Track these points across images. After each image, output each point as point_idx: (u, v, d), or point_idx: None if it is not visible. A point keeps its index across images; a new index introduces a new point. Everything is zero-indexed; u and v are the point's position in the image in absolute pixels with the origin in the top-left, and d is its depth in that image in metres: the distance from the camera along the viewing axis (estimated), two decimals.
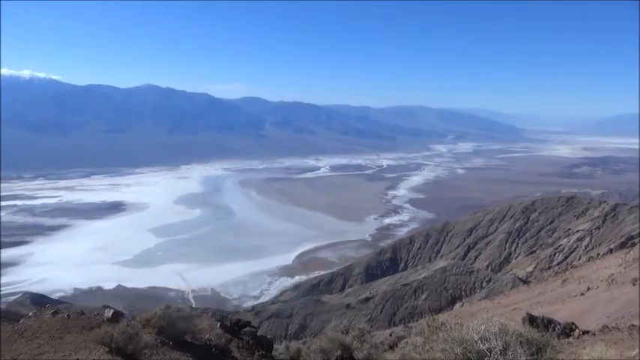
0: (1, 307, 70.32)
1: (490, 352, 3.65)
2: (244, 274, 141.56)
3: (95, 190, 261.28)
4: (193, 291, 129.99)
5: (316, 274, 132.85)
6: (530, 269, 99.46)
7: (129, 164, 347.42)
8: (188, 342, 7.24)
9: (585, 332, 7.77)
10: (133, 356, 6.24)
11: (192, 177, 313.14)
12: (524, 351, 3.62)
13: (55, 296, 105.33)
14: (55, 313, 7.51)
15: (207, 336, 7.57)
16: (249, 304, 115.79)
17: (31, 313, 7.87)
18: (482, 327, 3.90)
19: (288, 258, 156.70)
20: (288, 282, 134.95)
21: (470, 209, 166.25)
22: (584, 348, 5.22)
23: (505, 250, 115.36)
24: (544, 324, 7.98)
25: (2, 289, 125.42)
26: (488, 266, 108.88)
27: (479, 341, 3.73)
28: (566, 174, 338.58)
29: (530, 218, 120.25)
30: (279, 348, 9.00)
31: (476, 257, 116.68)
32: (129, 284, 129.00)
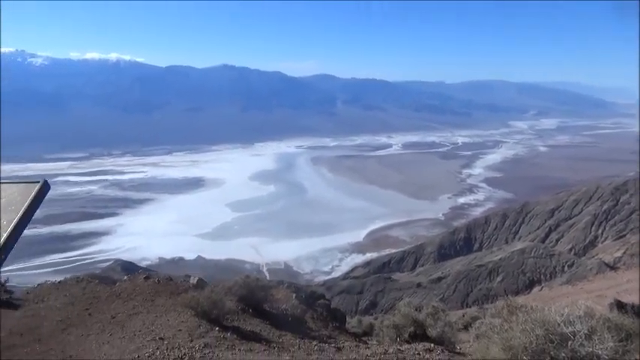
0: (96, 272, 77.12)
1: (574, 336, 3.47)
2: (316, 249, 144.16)
3: (177, 166, 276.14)
4: (267, 264, 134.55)
5: (387, 251, 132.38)
6: (618, 254, 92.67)
7: (207, 142, 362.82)
8: (266, 310, 7.65)
9: None
10: (217, 320, 6.72)
11: (265, 154, 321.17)
12: (612, 337, 3.39)
13: (142, 264, 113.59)
14: (146, 278, 8.22)
15: (284, 306, 7.93)
16: (321, 279, 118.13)
17: (125, 277, 8.66)
18: (566, 309, 3.70)
19: (360, 235, 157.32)
20: (359, 259, 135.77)
21: (552, 189, 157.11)
22: None
23: (590, 233, 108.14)
24: (634, 311, 7.45)
25: (97, 256, 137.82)
26: (571, 250, 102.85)
27: (562, 324, 3.55)
28: None
29: (621, 200, 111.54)
30: (351, 322, 9.21)
31: (557, 240, 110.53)
32: (208, 255, 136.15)
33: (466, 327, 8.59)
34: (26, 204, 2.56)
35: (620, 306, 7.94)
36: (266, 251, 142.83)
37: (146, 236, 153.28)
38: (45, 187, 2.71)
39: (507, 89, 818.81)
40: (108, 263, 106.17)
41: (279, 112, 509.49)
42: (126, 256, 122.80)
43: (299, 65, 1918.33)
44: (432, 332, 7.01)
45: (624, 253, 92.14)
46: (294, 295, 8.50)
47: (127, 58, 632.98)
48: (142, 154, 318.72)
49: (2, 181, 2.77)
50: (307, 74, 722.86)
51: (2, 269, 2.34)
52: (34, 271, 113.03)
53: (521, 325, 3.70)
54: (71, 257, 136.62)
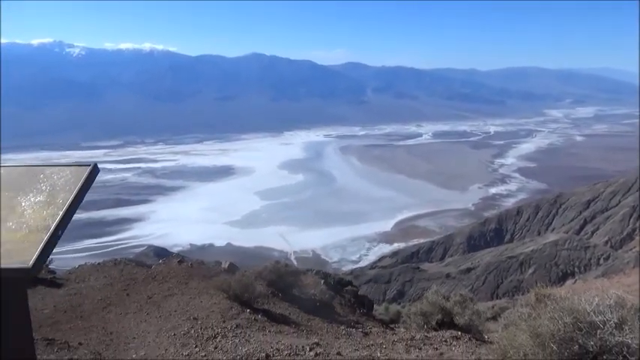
0: (130, 257, 79.50)
1: (604, 325, 3.43)
2: (344, 238, 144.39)
3: (207, 154, 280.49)
4: (295, 252, 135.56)
5: (415, 241, 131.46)
6: None
7: (237, 130, 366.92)
8: (295, 295, 7.83)
9: None
10: (248, 303, 6.95)
11: (294, 143, 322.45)
12: None
13: (174, 250, 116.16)
14: (180, 262, 8.53)
15: (313, 291, 8.09)
16: (348, 267, 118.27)
17: (160, 261, 9.00)
18: (596, 299, 3.67)
19: (388, 225, 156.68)
20: (386, 248, 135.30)
21: (588, 180, 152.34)
22: None
23: (628, 225, 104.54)
24: None
25: (130, 241, 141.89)
26: (607, 242, 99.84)
27: (592, 313, 3.52)
28: None
29: None
30: (378, 309, 9.30)
31: (593, 232, 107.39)
32: (237, 243, 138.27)
33: (495, 317, 8.56)
34: (79, 185, 2.79)
35: None
36: (294, 239, 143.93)
37: (177, 223, 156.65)
38: (95, 170, 2.92)
39: (543, 76, 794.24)
40: (141, 249, 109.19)
41: (309, 101, 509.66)
42: (158, 242, 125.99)
43: (328, 54, 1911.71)
44: (460, 320, 7.02)
45: None
46: (322, 281, 8.63)
47: (160, 47, 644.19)
48: (173, 143, 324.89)
49: (56, 163, 2.98)
50: (337, 63, 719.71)
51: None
52: (72, 255, 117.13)
53: (550, 312, 3.68)
54: (106, 242, 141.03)
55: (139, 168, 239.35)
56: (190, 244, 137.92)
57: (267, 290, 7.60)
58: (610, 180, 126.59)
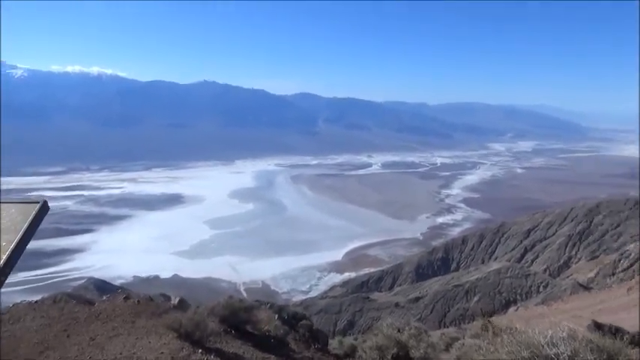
0: (68, 290, 74.99)
1: (558, 358, 3.54)
2: (294, 268, 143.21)
3: (156, 182, 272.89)
4: (244, 283, 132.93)
5: (366, 271, 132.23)
6: (591, 275, 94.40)
7: (187, 158, 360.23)
8: (248, 331, 7.54)
9: None
10: (200, 342, 6.58)
11: (246, 172, 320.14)
12: (595, 358, 3.47)
13: (117, 282, 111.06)
14: (126, 298, 8.04)
15: (266, 327, 7.83)
16: (299, 298, 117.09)
17: (105, 297, 8.46)
18: (550, 331, 3.78)
19: (338, 254, 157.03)
20: (337, 278, 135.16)
21: (528, 210, 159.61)
22: None
23: (565, 254, 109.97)
24: (611, 332, 7.61)
25: (70, 273, 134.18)
26: (545, 270, 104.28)
27: (546, 345, 3.62)
28: (634, 175, 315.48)
29: (594, 221, 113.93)
30: (332, 342, 9.15)
31: (533, 260, 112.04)
32: (184, 274, 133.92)
33: (447, 348, 8.62)
34: (26, 224, 2.60)
35: (597, 327, 8.10)
36: (244, 270, 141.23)
37: (121, 254, 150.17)
38: (45, 208, 2.77)
39: (487, 111, 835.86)
40: (81, 281, 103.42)
41: (261, 130, 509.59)
42: (99, 274, 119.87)
43: (281, 83, 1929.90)
44: (415, 353, 7.02)
45: (597, 273, 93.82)
46: (276, 315, 8.43)
47: (109, 72, 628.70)
48: (120, 170, 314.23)
49: (2, 200, 2.76)
50: (289, 92, 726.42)
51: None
52: (5, 289, 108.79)
53: (507, 346, 3.75)
54: (43, 275, 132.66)
55: (82, 196, 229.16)
56: (134, 276, 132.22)
57: (220, 328, 7.26)
58: (547, 210, 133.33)
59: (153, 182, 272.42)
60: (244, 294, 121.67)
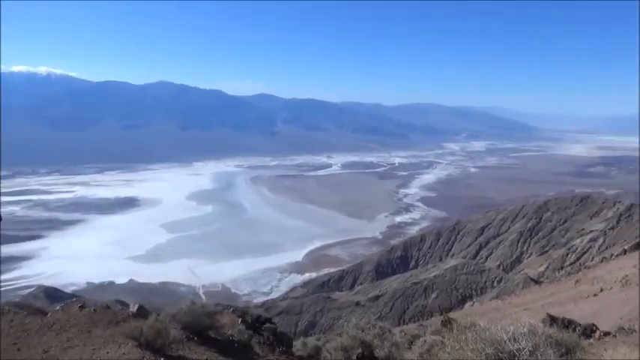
0: (16, 299, 71.45)
1: (520, 353, 3.66)
2: (255, 270, 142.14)
3: (109, 185, 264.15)
4: (204, 286, 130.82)
5: (326, 271, 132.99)
6: (542, 269, 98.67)
7: (142, 160, 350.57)
8: (212, 337, 7.36)
9: (606, 334, 7.76)
10: (162, 351, 6.35)
11: (204, 173, 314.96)
12: (554, 352, 3.61)
13: (69, 290, 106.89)
14: (82, 307, 7.68)
15: (230, 332, 7.68)
16: (260, 300, 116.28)
17: (58, 307, 8.05)
18: (512, 327, 3.90)
19: (299, 255, 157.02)
20: (298, 279, 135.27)
21: (482, 208, 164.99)
22: (606, 350, 5.23)
23: (517, 249, 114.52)
24: (564, 325, 7.96)
25: (18, 282, 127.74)
26: (499, 266, 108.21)
27: (508, 341, 3.73)
28: (580, 173, 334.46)
29: (543, 218, 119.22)
30: (296, 344, 9.10)
31: (487, 256, 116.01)
32: (141, 279, 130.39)
33: (410, 345, 8.75)
34: None
35: (552, 320, 8.44)
36: (203, 273, 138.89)
37: (73, 259, 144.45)
38: None
39: (442, 112, 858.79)
40: (30, 290, 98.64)
41: (219, 131, 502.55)
42: (50, 282, 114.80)
43: (239, 84, 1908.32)
44: (380, 353, 7.08)
45: (547, 267, 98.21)
46: (239, 320, 8.29)
47: (58, 72, 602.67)
48: (71, 173, 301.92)
49: None
50: (247, 93, 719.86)
51: None
52: None
53: (472, 344, 3.84)
54: None
55: (30, 201, 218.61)
56: (88, 283, 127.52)
57: (182, 334, 7.03)
58: (500, 208, 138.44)
59: (106, 185, 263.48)
60: (204, 297, 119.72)
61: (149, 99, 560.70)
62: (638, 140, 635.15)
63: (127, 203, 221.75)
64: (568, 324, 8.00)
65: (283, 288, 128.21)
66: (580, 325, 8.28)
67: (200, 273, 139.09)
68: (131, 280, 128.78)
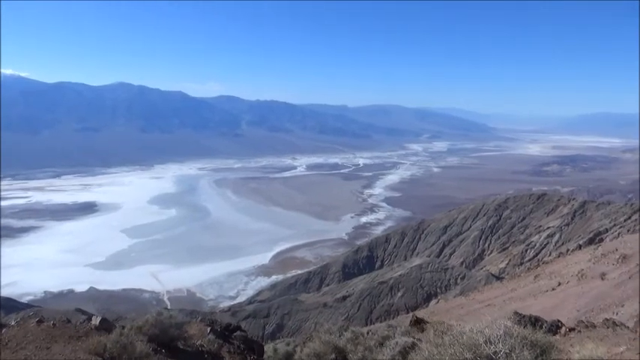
0: None
1: (496, 356, 3.67)
2: (220, 274, 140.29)
3: (66, 190, 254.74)
4: (168, 292, 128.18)
5: (293, 273, 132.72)
6: (502, 265, 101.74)
7: (101, 164, 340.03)
8: (180, 348, 7.08)
9: (571, 329, 8.00)
10: None
11: (166, 176, 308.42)
12: (529, 353, 3.65)
13: (25, 300, 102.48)
14: (39, 322, 7.26)
15: (199, 342, 7.43)
16: (226, 304, 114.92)
17: (13, 322, 7.58)
18: (487, 330, 3.92)
19: (265, 257, 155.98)
20: (264, 282, 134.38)
21: (445, 207, 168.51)
22: (572, 346, 5.37)
23: (479, 247, 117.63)
24: (531, 322, 8.16)
25: None
26: (462, 263, 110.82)
27: (484, 344, 3.74)
28: (536, 172, 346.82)
29: (503, 215, 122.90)
30: (267, 350, 8.95)
31: (451, 254, 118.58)
32: (101, 286, 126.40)
33: (381, 346, 8.73)
34: None
35: (519, 317, 8.64)
36: (167, 278, 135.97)
37: (29, 268, 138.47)
38: None
39: (404, 114, 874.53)
40: None
41: (181, 133, 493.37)
42: (4, 292, 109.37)
43: (201, 86, 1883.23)
44: (353, 358, 7.04)
45: (508, 264, 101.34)
46: (209, 328, 8.06)
47: (9, 72, 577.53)
48: (24, 178, 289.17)
49: None
50: (210, 95, 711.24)
51: None
52: None
53: (450, 348, 3.84)
54: None
55: None
56: (45, 292, 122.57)
57: (149, 347, 6.72)
58: (462, 207, 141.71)
59: (63, 190, 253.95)
60: (168, 303, 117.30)
61: (107, 101, 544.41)
62: (588, 139, 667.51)
63: (86, 208, 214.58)
64: (535, 321, 8.20)
65: (250, 291, 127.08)
66: (546, 321, 8.50)
67: (164, 278, 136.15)
68: (92, 288, 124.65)
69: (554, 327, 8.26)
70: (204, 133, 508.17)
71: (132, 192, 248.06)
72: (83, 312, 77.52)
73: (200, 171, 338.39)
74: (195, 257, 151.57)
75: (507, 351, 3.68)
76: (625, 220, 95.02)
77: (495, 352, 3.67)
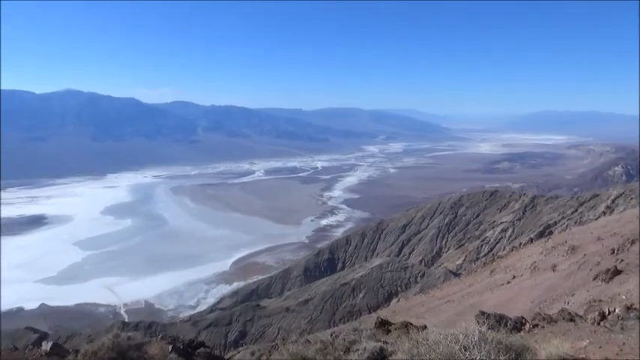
0: None
1: None
2: (180, 283, 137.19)
3: (12, 203, 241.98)
4: (125, 305, 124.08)
5: (254, 279, 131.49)
6: (460, 262, 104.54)
7: (50, 174, 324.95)
8: None
9: (535, 326, 8.19)
10: None
11: (120, 186, 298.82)
12: (505, 358, 3.63)
13: None
14: None
15: None
16: (186, 314, 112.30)
17: None
18: (461, 336, 3.88)
19: (225, 264, 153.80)
20: (225, 289, 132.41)
21: (402, 207, 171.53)
22: (537, 342, 5.45)
23: (436, 244, 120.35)
24: (496, 320, 8.29)
25: None
26: (421, 261, 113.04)
27: (460, 352, 3.70)
28: (488, 170, 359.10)
29: (459, 213, 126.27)
30: None
31: (410, 253, 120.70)
32: (54, 302, 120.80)
33: (348, 352, 8.60)
34: None
35: (484, 316, 8.77)
36: (124, 291, 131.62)
37: None
38: None
39: (360, 116, 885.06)
40: None
41: (135, 141, 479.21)
42: None
43: (154, 92, 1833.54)
44: None
45: (464, 260, 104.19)
46: (170, 347, 7.70)
47: None
48: None
49: None
50: (164, 101, 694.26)
51: None
52: None
53: (426, 356, 3.76)
54: None
55: None
56: None
57: None
58: (419, 206, 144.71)
59: (8, 203, 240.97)
60: (125, 316, 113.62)
61: (55, 109, 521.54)
62: (535, 137, 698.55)
63: (34, 222, 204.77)
64: (499, 319, 8.35)
65: (211, 300, 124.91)
66: (510, 319, 8.67)
67: (120, 291, 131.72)
68: (43, 305, 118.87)
69: (519, 323, 8.43)
70: (158, 140, 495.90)
71: (84, 203, 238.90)
72: (34, 330, 73.90)
73: (155, 179, 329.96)
74: (153, 267, 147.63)
75: (484, 357, 3.64)
76: (572, 213, 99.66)
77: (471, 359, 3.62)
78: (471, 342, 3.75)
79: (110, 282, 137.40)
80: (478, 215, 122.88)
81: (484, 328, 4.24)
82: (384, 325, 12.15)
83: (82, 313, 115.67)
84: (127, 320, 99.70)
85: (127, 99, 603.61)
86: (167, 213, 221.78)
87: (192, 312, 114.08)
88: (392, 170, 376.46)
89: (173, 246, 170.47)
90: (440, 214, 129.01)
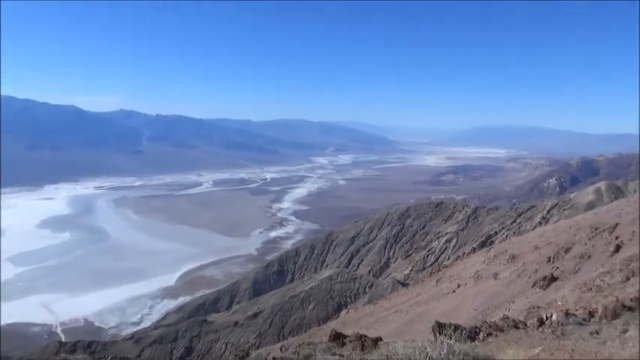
0: None
1: None
2: (122, 299, 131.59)
3: None
4: (62, 323, 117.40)
5: (201, 293, 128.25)
6: (407, 272, 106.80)
7: None
8: None
9: (489, 334, 8.45)
10: None
11: (58, 197, 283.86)
12: None
13: None
14: None
15: None
16: (129, 331, 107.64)
17: None
18: (430, 349, 3.91)
19: (171, 279, 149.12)
20: (171, 304, 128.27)
21: (352, 218, 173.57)
22: (491, 351, 5.61)
23: (384, 255, 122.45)
24: (453, 330, 8.48)
25: None
26: (370, 272, 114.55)
27: None
28: (434, 182, 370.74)
29: (406, 224, 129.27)
30: None
31: (359, 264, 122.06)
32: None
33: None
34: None
35: (440, 327, 8.98)
36: (61, 308, 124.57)
37: None
38: None
39: (309, 128, 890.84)
40: None
41: (74, 151, 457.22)
42: None
43: (96, 99, 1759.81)
44: None
45: (411, 270, 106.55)
46: None
47: None
48: None
49: None
50: (107, 110, 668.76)
51: None
52: None
53: None
54: None
55: None
56: None
57: None
58: (368, 217, 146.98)
59: None
60: (62, 336, 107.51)
61: None
62: (477, 150, 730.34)
63: None
64: (455, 329, 8.56)
65: (155, 315, 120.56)
66: (465, 328, 8.92)
67: (57, 309, 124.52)
68: None
69: (473, 333, 8.69)
70: (100, 149, 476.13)
71: (17, 215, 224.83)
72: None
73: (97, 190, 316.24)
74: (93, 283, 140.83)
75: None
76: (511, 223, 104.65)
77: None
78: (440, 354, 3.78)
79: (46, 299, 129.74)
80: (424, 226, 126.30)
81: (452, 341, 4.30)
82: (338, 337, 12.17)
83: (14, 333, 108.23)
84: (63, 340, 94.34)
85: (67, 106, 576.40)
86: (109, 226, 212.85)
87: (135, 329, 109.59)
88: (341, 182, 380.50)
89: (115, 260, 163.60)
90: (388, 225, 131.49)
